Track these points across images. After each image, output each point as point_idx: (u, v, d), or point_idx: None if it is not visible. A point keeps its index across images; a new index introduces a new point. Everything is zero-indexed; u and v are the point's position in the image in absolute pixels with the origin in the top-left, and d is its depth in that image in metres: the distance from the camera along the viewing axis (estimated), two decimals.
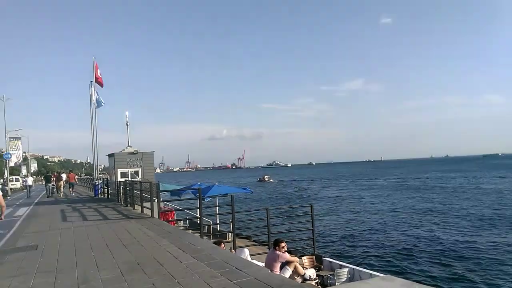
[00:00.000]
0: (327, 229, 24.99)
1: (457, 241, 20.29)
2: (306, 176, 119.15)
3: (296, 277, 8.30)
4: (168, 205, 21.82)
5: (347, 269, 10.21)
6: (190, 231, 13.06)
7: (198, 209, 14.59)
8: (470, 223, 25.60)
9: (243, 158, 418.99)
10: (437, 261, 16.57)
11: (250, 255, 9.65)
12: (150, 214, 13.08)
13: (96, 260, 7.37)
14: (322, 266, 11.18)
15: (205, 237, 13.18)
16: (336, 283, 9.53)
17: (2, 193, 8.07)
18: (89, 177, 50.99)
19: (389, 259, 17.04)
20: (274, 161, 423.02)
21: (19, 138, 65.14)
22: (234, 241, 12.40)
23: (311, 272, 9.02)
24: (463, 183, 59.96)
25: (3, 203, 8.12)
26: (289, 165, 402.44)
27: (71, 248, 8.73)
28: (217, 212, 16.88)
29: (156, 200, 13.18)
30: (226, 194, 17.20)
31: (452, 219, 27.27)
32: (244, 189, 18.97)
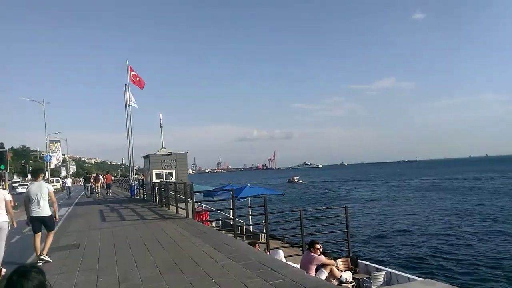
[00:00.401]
0: (361, 231, 24.58)
1: (498, 243, 19.47)
2: (337, 177, 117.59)
3: (332, 280, 8.23)
4: (202, 206, 22.10)
5: (383, 272, 10.01)
6: (224, 231, 13.16)
7: (231, 210, 14.73)
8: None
9: (274, 159, 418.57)
10: (479, 264, 15.96)
11: (284, 257, 9.63)
12: (185, 215, 13.30)
13: (135, 259, 7.58)
14: (358, 269, 11.02)
15: (238, 238, 13.27)
16: (373, 287, 9.36)
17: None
18: (124, 178, 52.38)
19: (427, 262, 16.56)
20: (305, 162, 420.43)
21: (59, 141, 67.84)
22: (267, 242, 12.41)
23: (347, 275, 8.90)
24: (503, 184, 57.43)
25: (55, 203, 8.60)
26: (320, 166, 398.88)
27: (111, 247, 9.02)
28: (250, 213, 16.96)
29: (190, 201, 13.40)
30: (258, 195, 17.26)
31: (492, 222, 26.20)
32: (276, 191, 18.99)
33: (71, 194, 33.62)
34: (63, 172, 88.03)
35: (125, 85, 27.98)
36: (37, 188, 7.97)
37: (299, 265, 8.34)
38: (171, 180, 19.07)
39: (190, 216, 13.06)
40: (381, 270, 10.35)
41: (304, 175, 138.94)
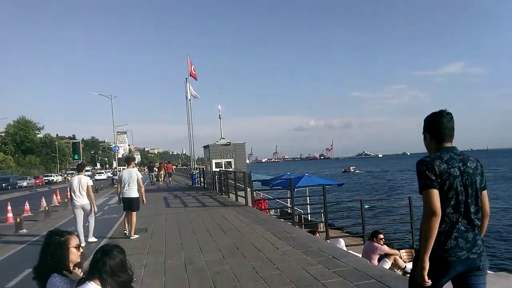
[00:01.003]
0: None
1: None
2: (398, 166, 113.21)
3: (396, 270, 8.00)
4: (260, 194, 22.37)
5: None
6: (282, 220, 13.25)
7: (289, 199, 14.76)
8: None
9: (331, 149, 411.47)
10: None
11: (346, 246, 9.50)
12: (244, 202, 13.56)
13: (199, 243, 7.88)
14: None
15: (296, 226, 13.30)
16: None
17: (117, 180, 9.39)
18: (185, 167, 54.36)
19: (501, 255, 15.55)
20: (364, 152, 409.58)
21: (125, 132, 71.44)
22: (327, 231, 12.33)
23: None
24: None
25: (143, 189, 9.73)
26: (380, 156, 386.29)
27: (176, 231, 9.44)
28: (308, 202, 16.91)
29: (249, 189, 13.63)
30: (317, 184, 17.13)
31: None
32: (334, 181, 18.73)
33: None
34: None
35: (186, 78, 28.76)
36: (128, 174, 9.23)
37: (360, 254, 8.20)
38: (230, 169, 19.47)
39: (249, 204, 13.29)
40: None
41: (363, 165, 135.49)
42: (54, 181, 58.55)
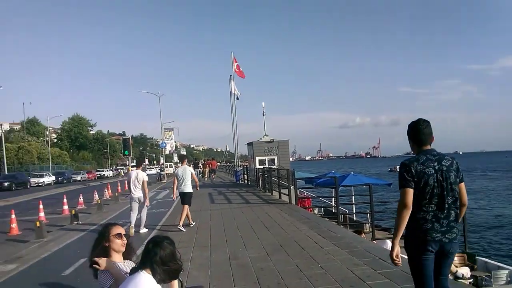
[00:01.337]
0: (479, 225, 22.42)
1: None
2: None
3: None
4: (304, 192, 22.24)
5: (507, 272, 9.03)
6: (326, 219, 13.09)
7: (334, 198, 14.55)
8: None
9: (378, 147, 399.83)
10: None
11: None
12: (287, 200, 13.53)
13: (243, 239, 7.96)
14: (476, 266, 10.09)
15: (341, 226, 13.09)
16: (493, 285, 8.51)
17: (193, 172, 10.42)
18: (229, 164, 55.11)
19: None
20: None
21: (172, 129, 73.79)
22: (373, 232, 12.05)
23: (464, 271, 8.22)
24: None
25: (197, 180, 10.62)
26: None
27: (220, 227, 9.60)
28: (353, 202, 16.60)
29: (292, 187, 13.58)
30: (363, 184, 16.77)
31: None
32: (382, 180, 18.24)
33: None
34: (175, 158, 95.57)
35: (230, 75, 29.13)
36: (182, 171, 9.97)
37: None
38: (273, 167, 19.50)
39: (293, 202, 13.23)
40: (504, 268, 9.35)
41: None
42: (105, 175, 61.34)
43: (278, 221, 9.98)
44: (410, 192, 3.02)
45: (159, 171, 55.61)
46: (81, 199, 18.70)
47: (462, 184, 3.15)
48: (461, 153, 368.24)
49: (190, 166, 11.13)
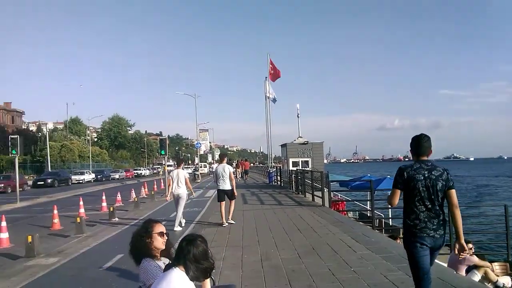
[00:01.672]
0: None
1: None
2: (492, 171, 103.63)
3: (486, 284, 7.36)
4: (338, 195, 21.95)
5: None
6: (361, 223, 12.85)
7: (369, 201, 14.27)
8: None
9: None
10: None
11: None
12: (321, 203, 13.40)
13: (275, 240, 7.96)
14: None
15: (376, 230, 12.82)
16: None
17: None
18: (262, 165, 55.28)
19: None
20: (453, 154, 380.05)
21: (207, 130, 74.77)
22: None
23: (505, 280, 7.84)
24: None
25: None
26: (471, 159, 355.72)
27: (252, 228, 9.64)
28: (390, 206, 16.19)
29: (326, 190, 13.44)
30: None
31: None
32: None
33: None
34: (209, 158, 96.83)
35: (265, 77, 29.09)
36: (221, 169, 10.38)
37: (446, 264, 7.67)
38: (307, 169, 19.38)
39: (326, 204, 13.10)
40: None
41: (450, 168, 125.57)
42: (142, 174, 62.93)
43: (310, 223, 9.91)
44: (398, 192, 3.69)
45: (193, 171, 56.66)
46: (119, 197, 19.31)
47: (451, 190, 3.61)
48: (505, 157, 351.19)
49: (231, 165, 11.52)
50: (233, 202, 10.53)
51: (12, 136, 21.40)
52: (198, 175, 41.57)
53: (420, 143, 3.71)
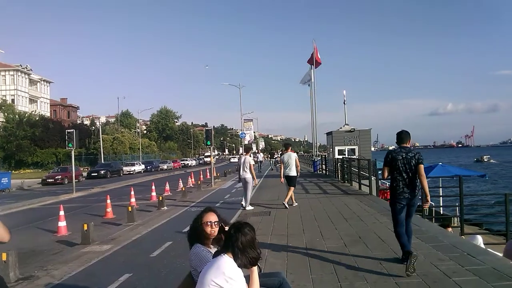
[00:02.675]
0: None
1: None
2: None
3: None
4: (386, 184, 21.37)
5: None
6: None
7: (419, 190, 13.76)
8: None
9: (472, 135, 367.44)
10: None
11: (483, 244, 8.53)
12: (368, 191, 13.11)
13: (320, 229, 7.89)
14: None
15: (426, 219, 12.38)
16: None
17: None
18: (307, 154, 54.82)
19: None
20: (510, 139, 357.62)
21: (251, 120, 75.10)
22: (462, 227, 11.23)
23: None
24: None
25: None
26: None
27: (297, 216, 9.60)
28: (441, 194, 15.58)
29: (374, 178, 13.11)
30: (452, 175, 15.69)
31: None
32: (475, 171, 16.86)
33: (261, 168, 36.98)
34: (254, 148, 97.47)
35: (310, 65, 28.55)
36: (287, 157, 11.36)
37: (501, 254, 7.27)
38: (353, 157, 18.98)
39: (374, 193, 12.79)
40: None
41: (506, 154, 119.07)
42: (189, 165, 64.48)
43: (357, 212, 9.72)
44: (386, 168, 5.50)
45: (238, 160, 56.90)
46: (167, 187, 19.93)
47: (420, 165, 5.22)
48: None
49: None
50: (292, 188, 11.20)
51: (68, 131, 22.58)
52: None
53: (401, 136, 5.51)
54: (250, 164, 11.64)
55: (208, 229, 3.13)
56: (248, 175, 11.54)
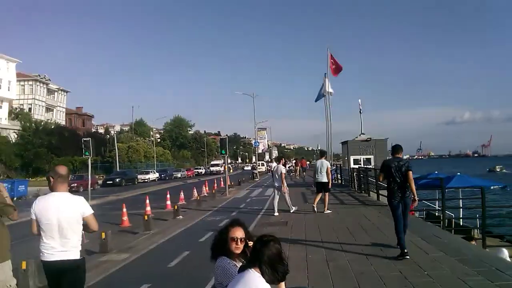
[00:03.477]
0: None
1: None
2: None
3: None
4: None
5: None
6: (429, 223, 12.17)
7: (438, 200, 13.50)
8: None
9: (489, 145, 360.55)
10: None
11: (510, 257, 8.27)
12: (387, 202, 12.86)
13: (339, 240, 7.75)
14: None
15: (446, 231, 12.09)
16: None
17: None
18: None
19: None
20: None
21: (265, 129, 75.30)
22: (483, 239, 10.90)
23: None
24: None
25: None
26: None
27: (314, 227, 9.46)
28: (461, 205, 15.20)
29: None
30: (472, 186, 15.37)
31: None
32: (495, 182, 16.45)
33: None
34: (267, 157, 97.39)
35: (325, 73, 28.25)
36: (320, 164, 12.04)
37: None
38: (369, 166, 18.76)
39: None
40: None
41: None
42: (203, 173, 64.65)
43: (376, 223, 9.55)
44: (382, 175, 6.85)
45: (251, 169, 56.94)
46: (182, 195, 19.93)
47: (408, 172, 6.42)
48: None
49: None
50: (327, 194, 11.77)
51: (85, 139, 22.82)
52: (256, 173, 41.72)
53: (395, 149, 6.97)
54: (282, 173, 12.12)
55: (233, 245, 3.04)
56: (280, 183, 12.05)
